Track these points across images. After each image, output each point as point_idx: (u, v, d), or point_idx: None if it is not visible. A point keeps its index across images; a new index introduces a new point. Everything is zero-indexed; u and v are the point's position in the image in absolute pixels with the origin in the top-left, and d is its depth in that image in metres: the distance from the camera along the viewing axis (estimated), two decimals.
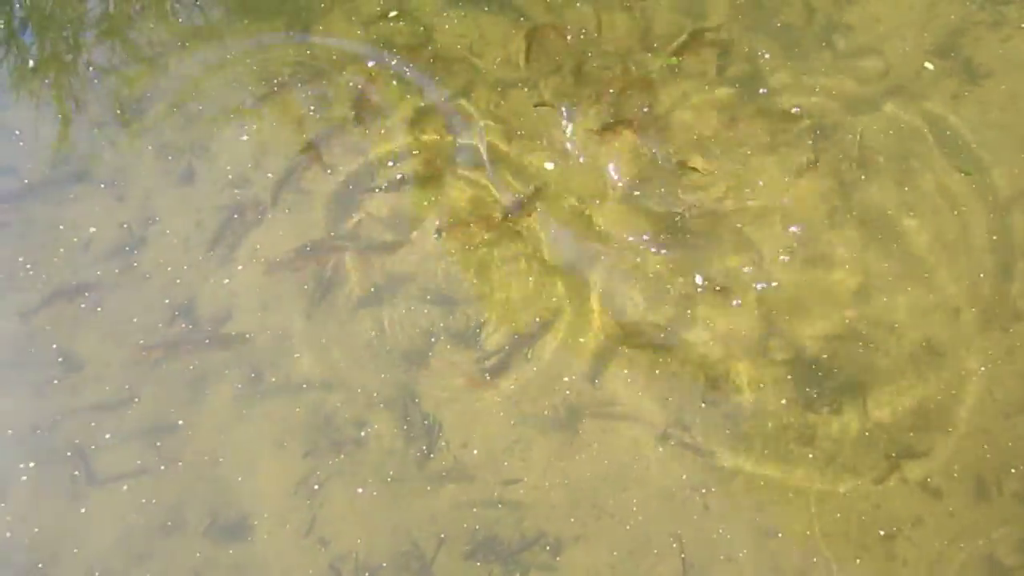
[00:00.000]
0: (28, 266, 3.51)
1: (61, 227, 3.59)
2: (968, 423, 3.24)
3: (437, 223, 3.62)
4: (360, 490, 3.17)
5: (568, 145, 3.76)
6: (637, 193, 3.65)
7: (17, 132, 3.83)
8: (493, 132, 3.78)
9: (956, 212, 3.61)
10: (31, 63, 3.99)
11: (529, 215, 3.60)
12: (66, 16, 4.17)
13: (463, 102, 3.86)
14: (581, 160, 3.71)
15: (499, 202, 3.65)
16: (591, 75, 3.91)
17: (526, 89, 3.87)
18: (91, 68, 4.00)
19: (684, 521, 3.12)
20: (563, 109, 3.81)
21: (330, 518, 3.13)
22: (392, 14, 4.06)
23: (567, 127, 3.78)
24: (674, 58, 3.89)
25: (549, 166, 3.72)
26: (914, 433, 3.23)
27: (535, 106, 3.77)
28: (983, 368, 3.33)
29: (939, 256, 3.53)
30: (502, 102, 3.85)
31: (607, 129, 3.74)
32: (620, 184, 3.67)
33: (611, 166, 3.71)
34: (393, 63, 3.96)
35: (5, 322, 3.42)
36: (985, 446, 3.20)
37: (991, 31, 4.04)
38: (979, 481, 3.15)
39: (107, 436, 3.23)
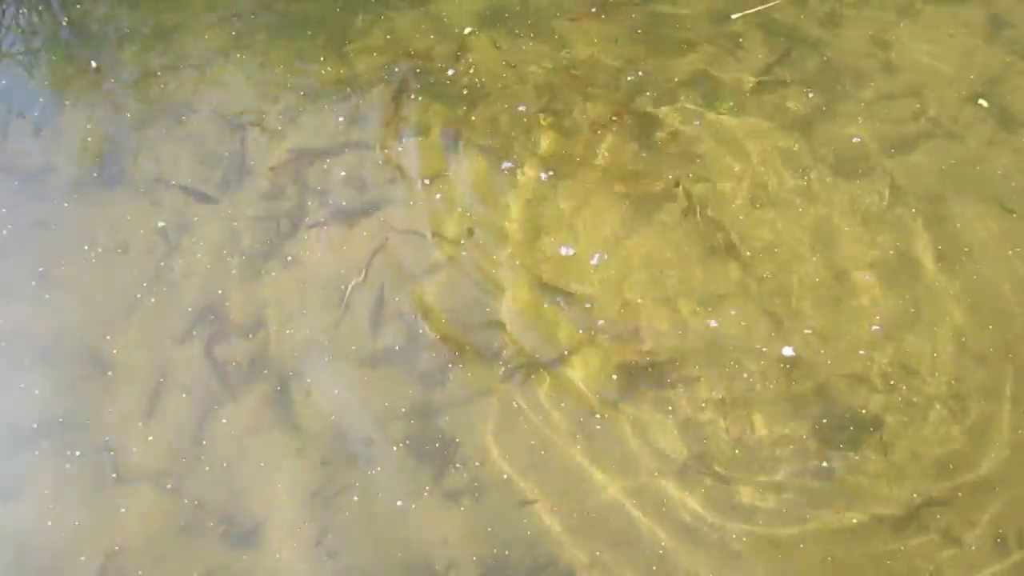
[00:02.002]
0: (64, 266, 3.60)
1: (98, 228, 3.68)
2: (991, 473, 3.18)
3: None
4: (372, 504, 3.18)
5: None
6: None
7: (58, 132, 3.94)
8: None
9: (986, 257, 3.58)
10: (93, 64, 4.10)
11: None
12: (113, 21, 4.30)
13: None
14: None
15: None
16: None
17: None
18: (134, 73, 4.11)
19: (702, 556, 3.09)
20: None
21: (341, 530, 3.15)
22: None
23: None
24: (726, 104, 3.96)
25: None
26: (936, 481, 3.18)
27: None
28: (1008, 417, 3.28)
29: (967, 300, 3.49)
30: None
31: None
32: None
33: None
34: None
35: (38, 321, 3.50)
36: (1007, 498, 3.14)
37: None
38: (1000, 534, 3.09)
39: (131, 437, 3.27)
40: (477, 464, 3.23)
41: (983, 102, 3.93)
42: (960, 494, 3.14)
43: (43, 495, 3.15)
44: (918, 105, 3.93)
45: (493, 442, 3.27)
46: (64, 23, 4.27)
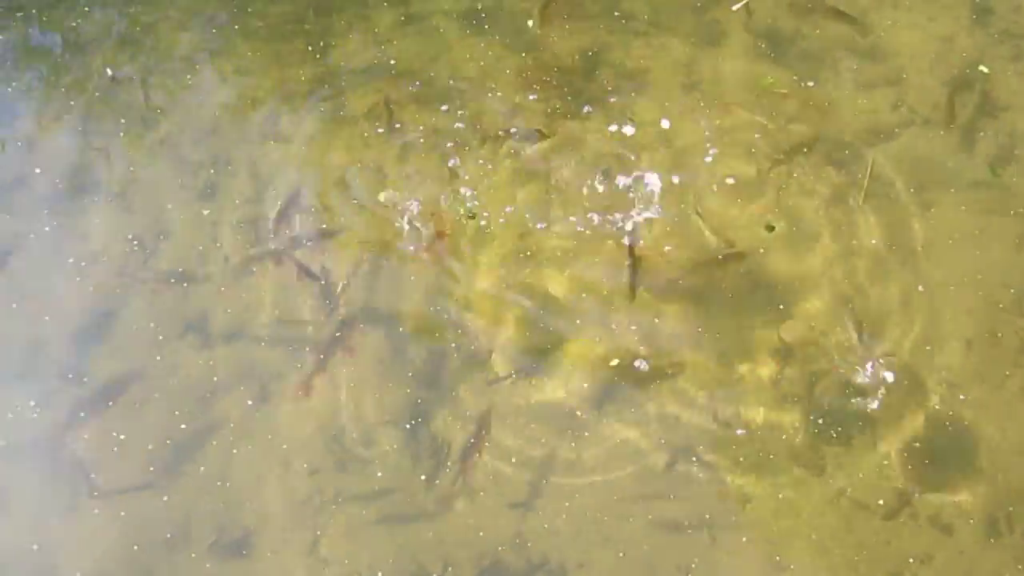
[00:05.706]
0: (39, 277, 3.52)
1: (73, 239, 3.60)
2: (982, 461, 3.21)
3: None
4: (365, 510, 3.15)
5: None
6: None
7: (32, 143, 3.84)
8: None
9: (971, 243, 3.58)
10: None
11: None
12: (87, 28, 4.19)
13: None
14: None
15: None
16: None
17: None
18: (108, 80, 4.01)
19: (691, 552, 3.09)
20: None
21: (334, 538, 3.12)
22: None
23: None
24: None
25: None
26: (926, 469, 3.20)
27: None
28: (996, 405, 3.30)
29: (953, 287, 3.50)
30: None
31: None
32: None
33: None
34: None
35: (13, 332, 3.43)
36: (998, 485, 3.17)
37: (1010, 64, 4.02)
38: (991, 520, 3.11)
39: (114, 449, 3.22)
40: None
41: (984, 68, 3.94)
42: (952, 480, 3.18)
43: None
44: (897, 94, 3.92)
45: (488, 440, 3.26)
46: (28, 30, 4.16)
